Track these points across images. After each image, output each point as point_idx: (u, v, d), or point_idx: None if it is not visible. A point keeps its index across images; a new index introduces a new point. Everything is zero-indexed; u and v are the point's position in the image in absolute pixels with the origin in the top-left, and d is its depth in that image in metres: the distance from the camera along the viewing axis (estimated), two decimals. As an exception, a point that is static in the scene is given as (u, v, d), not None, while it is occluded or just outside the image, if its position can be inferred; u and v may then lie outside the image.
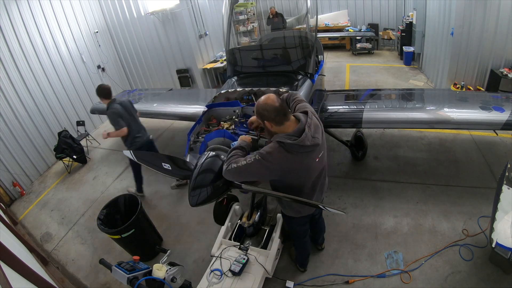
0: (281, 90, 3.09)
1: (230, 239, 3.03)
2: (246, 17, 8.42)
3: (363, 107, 3.53)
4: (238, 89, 3.25)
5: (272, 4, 9.64)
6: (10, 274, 2.23)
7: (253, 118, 2.33)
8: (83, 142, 5.78)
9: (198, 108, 4.16)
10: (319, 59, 4.34)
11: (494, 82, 5.12)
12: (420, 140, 4.60)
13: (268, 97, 1.80)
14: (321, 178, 2.12)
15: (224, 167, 1.88)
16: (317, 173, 2.03)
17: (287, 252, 3.09)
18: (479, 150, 4.21)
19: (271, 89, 3.11)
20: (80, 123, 6.15)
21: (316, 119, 1.92)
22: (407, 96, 4.00)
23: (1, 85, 4.99)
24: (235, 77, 3.84)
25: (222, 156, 2.15)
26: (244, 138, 2.13)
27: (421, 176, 3.87)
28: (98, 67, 7.10)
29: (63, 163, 5.44)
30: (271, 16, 8.09)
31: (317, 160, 1.92)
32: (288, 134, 1.76)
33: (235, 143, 2.11)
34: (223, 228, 3.05)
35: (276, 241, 2.84)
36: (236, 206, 3.30)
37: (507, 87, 4.88)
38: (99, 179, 5.06)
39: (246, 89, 3.20)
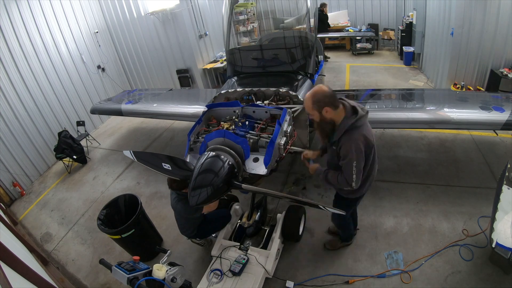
0: (281, 90, 3.09)
1: (230, 239, 3.03)
2: (246, 17, 8.41)
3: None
4: (238, 89, 3.25)
5: (272, 4, 9.63)
6: (10, 274, 2.23)
7: (308, 153, 2.47)
8: (83, 142, 5.78)
9: (198, 108, 4.16)
10: (319, 59, 4.34)
11: (494, 82, 5.11)
12: (420, 140, 4.60)
13: (321, 86, 1.99)
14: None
15: (354, 185, 2.06)
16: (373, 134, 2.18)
17: (325, 247, 3.11)
18: (479, 150, 4.21)
19: (271, 89, 3.11)
20: (80, 123, 6.15)
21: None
22: (407, 96, 4.00)
23: (1, 85, 4.99)
24: (235, 77, 3.84)
25: (222, 156, 2.15)
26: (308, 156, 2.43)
27: (421, 176, 3.86)
28: (98, 67, 7.10)
29: (63, 163, 5.44)
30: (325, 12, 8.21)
31: (373, 132, 2.14)
32: (346, 117, 1.97)
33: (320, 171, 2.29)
34: (223, 229, 3.05)
35: (276, 241, 2.85)
36: (236, 206, 3.30)
37: (507, 87, 4.88)
38: (99, 179, 5.06)
39: (246, 89, 3.20)
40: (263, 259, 2.70)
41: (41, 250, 3.75)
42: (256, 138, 2.55)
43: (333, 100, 1.95)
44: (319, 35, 5.79)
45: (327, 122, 2.02)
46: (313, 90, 1.99)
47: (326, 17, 8.35)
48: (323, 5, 8.27)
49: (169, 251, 2.24)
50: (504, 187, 2.47)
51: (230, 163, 2.16)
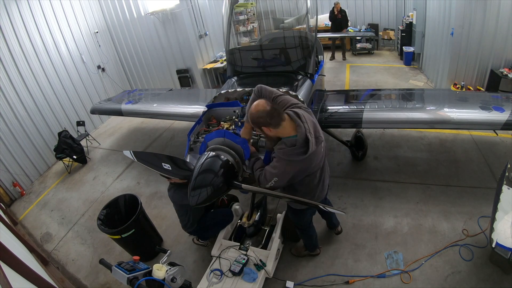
0: (280, 90, 3.09)
1: (230, 239, 3.03)
2: (246, 17, 8.41)
3: (363, 107, 3.53)
4: (238, 89, 3.24)
5: (272, 4, 9.63)
6: (10, 274, 2.23)
7: (243, 130, 2.27)
8: (83, 142, 5.77)
9: (198, 108, 4.16)
10: (319, 59, 4.34)
11: (494, 82, 5.12)
12: (420, 140, 4.60)
13: (258, 104, 1.83)
14: (325, 163, 2.25)
15: (263, 182, 1.99)
16: (322, 159, 2.13)
17: (290, 252, 3.10)
18: (479, 150, 4.21)
19: (271, 89, 3.10)
20: (80, 123, 6.15)
21: (307, 113, 1.97)
22: (407, 96, 4.00)
23: (1, 85, 4.99)
24: (235, 77, 3.83)
25: (222, 156, 2.15)
26: (244, 133, 2.23)
27: (421, 176, 3.86)
28: (98, 67, 7.10)
29: (63, 163, 5.44)
30: (336, 12, 8.21)
31: (322, 150, 2.04)
32: (294, 147, 1.82)
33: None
34: (223, 229, 3.05)
35: (276, 241, 2.84)
36: (236, 206, 3.30)
37: (507, 87, 4.88)
38: (99, 179, 5.06)
39: (246, 89, 3.19)
40: (263, 259, 2.70)
41: (41, 250, 3.75)
42: (256, 138, 2.54)
43: (270, 119, 1.80)
44: (319, 35, 5.79)
45: (271, 137, 1.96)
46: (250, 109, 1.87)
47: (336, 16, 8.32)
48: (336, 3, 8.23)
49: (169, 251, 2.24)
50: (504, 187, 2.46)
51: (230, 163, 2.16)
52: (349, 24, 8.75)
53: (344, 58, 8.86)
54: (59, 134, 5.43)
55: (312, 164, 1.97)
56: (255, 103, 1.87)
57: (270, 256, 2.72)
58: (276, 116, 1.81)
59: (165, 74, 7.93)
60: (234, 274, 2.59)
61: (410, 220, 3.28)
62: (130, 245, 3.23)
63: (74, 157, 5.37)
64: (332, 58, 8.99)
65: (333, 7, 8.23)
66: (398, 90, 4.38)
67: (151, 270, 1.97)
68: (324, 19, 9.60)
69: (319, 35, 7.19)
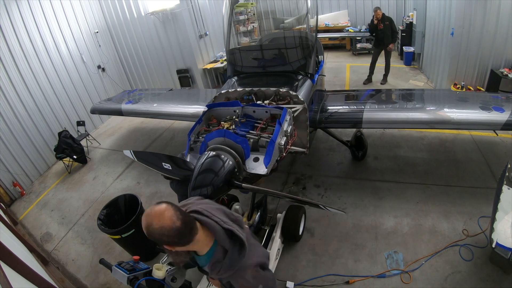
0: (281, 90, 3.10)
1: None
2: (246, 17, 8.41)
3: (363, 107, 3.53)
4: (238, 89, 3.24)
5: (272, 4, 9.62)
6: (10, 274, 2.23)
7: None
8: (83, 142, 5.78)
9: (198, 108, 4.16)
10: (319, 59, 4.34)
11: (494, 82, 5.12)
12: (420, 140, 4.60)
13: (162, 215, 1.22)
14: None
15: None
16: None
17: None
18: (479, 150, 4.21)
19: (272, 89, 3.10)
20: (80, 123, 6.15)
21: (208, 204, 1.44)
22: (407, 96, 4.00)
23: (1, 85, 4.99)
24: (235, 77, 3.83)
25: (223, 156, 2.15)
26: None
27: (421, 176, 3.86)
28: (98, 67, 7.11)
29: (63, 163, 5.44)
30: (375, 22, 6.39)
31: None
32: (227, 256, 1.30)
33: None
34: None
35: (276, 241, 2.85)
36: (236, 206, 3.30)
37: (507, 87, 4.88)
38: (99, 179, 5.06)
39: (246, 89, 3.20)
40: (263, 259, 2.70)
41: (41, 250, 3.74)
42: (256, 138, 2.54)
43: (179, 239, 1.24)
44: (319, 35, 5.76)
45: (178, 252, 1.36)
46: (148, 220, 1.30)
47: (377, 27, 6.36)
48: (375, 10, 6.35)
49: (169, 251, 2.24)
50: (504, 187, 2.47)
51: (230, 162, 2.16)
52: (398, 37, 6.72)
53: (384, 81, 6.72)
54: (59, 134, 5.43)
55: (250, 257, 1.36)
56: (156, 210, 1.25)
57: (270, 256, 2.72)
58: (188, 234, 1.23)
59: (165, 74, 7.93)
60: (234, 274, 2.58)
61: (410, 220, 3.28)
62: (130, 245, 3.23)
63: (74, 157, 5.37)
64: (369, 81, 6.83)
65: (373, 16, 6.37)
66: (398, 90, 4.39)
67: (151, 270, 1.96)
68: (324, 19, 9.62)
69: (319, 35, 7.19)
